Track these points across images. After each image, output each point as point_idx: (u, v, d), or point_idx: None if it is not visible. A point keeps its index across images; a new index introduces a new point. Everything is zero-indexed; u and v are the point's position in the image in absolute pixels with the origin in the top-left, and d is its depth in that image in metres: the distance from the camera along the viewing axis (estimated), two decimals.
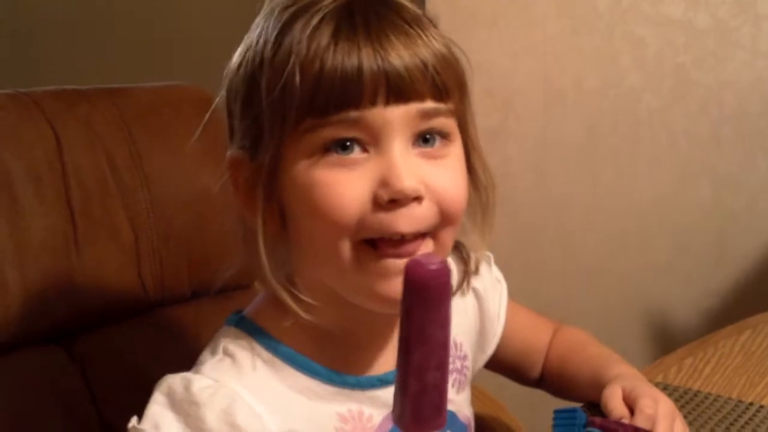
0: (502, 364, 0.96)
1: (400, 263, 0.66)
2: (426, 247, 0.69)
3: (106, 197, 1.04)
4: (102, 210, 1.04)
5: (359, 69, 0.65)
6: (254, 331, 0.73)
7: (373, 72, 0.66)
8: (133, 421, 0.69)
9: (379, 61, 0.66)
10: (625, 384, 0.83)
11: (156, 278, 1.07)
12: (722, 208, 1.71)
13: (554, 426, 0.83)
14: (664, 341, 1.74)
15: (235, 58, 0.74)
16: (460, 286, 0.79)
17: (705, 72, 1.67)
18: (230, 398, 0.68)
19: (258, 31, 0.72)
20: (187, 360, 0.77)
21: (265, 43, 0.70)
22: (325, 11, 0.68)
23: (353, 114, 0.66)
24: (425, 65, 0.67)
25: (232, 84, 0.73)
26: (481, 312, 0.90)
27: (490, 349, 0.93)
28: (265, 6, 0.74)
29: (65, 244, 1.00)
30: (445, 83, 0.68)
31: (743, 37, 1.64)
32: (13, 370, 0.96)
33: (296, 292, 0.71)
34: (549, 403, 0.99)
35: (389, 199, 0.66)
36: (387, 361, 0.76)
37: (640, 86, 1.71)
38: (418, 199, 0.67)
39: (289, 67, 0.66)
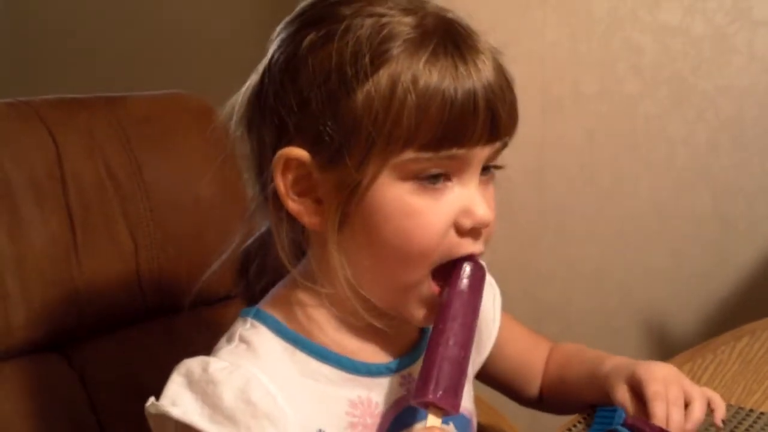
0: (499, 376, 0.97)
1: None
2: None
3: (105, 205, 1.04)
4: (101, 218, 1.04)
5: (475, 112, 0.69)
6: (269, 321, 0.76)
7: (485, 115, 0.70)
8: (151, 399, 0.71)
9: (490, 105, 0.70)
10: (626, 375, 0.85)
11: (155, 286, 1.07)
12: (720, 214, 1.71)
13: (593, 422, 0.85)
14: (663, 347, 1.74)
15: (295, 44, 0.72)
16: None
17: (702, 78, 1.68)
18: (246, 378, 0.70)
19: (345, 33, 0.70)
20: None
21: (359, 52, 0.69)
22: (434, 41, 0.69)
23: (458, 152, 0.70)
24: (513, 106, 0.73)
25: (293, 78, 0.71)
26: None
27: (486, 351, 0.93)
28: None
29: (65, 252, 1.00)
30: (517, 120, 0.74)
31: (739, 43, 1.64)
32: (13, 378, 0.96)
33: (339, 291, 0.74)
34: (548, 415, 1.00)
35: (470, 228, 0.72)
36: (392, 350, 0.78)
37: (637, 93, 1.71)
38: (487, 227, 0.73)
39: (401, 93, 0.68)
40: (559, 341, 1.01)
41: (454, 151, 0.69)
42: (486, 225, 0.72)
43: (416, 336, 0.81)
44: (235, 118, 0.77)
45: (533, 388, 0.98)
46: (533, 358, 0.98)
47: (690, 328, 1.74)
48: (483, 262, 0.75)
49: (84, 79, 1.53)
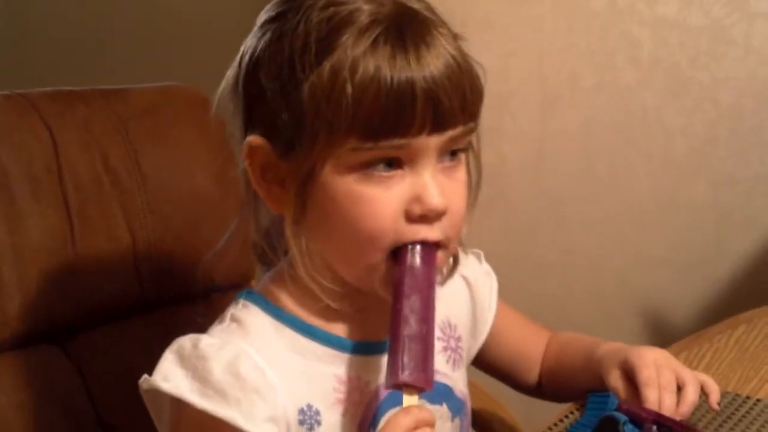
0: (497, 363, 0.98)
1: None
2: (441, 257, 0.76)
3: (102, 198, 1.05)
4: (99, 210, 1.04)
5: (413, 102, 0.69)
6: (259, 300, 0.78)
7: (424, 105, 0.70)
8: (144, 376, 0.73)
9: (430, 95, 0.70)
10: (618, 360, 0.86)
11: (152, 278, 1.08)
12: (717, 205, 1.71)
13: (586, 408, 0.85)
14: (660, 336, 1.75)
15: (259, 38, 0.75)
16: (450, 273, 0.83)
17: (699, 70, 1.68)
18: (235, 352, 0.72)
19: (297, 26, 0.72)
20: None
21: (306, 45, 0.71)
22: (377, 31, 0.70)
23: (400, 141, 0.70)
24: (464, 97, 0.72)
25: (254, 71, 0.74)
26: (472, 300, 0.93)
27: (482, 337, 0.94)
28: None
29: (62, 244, 1.00)
30: (476, 109, 0.74)
31: (737, 35, 1.64)
32: (10, 369, 0.96)
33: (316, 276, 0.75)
34: (544, 402, 1.00)
35: (420, 215, 0.72)
36: (383, 328, 0.78)
37: (635, 84, 1.71)
38: (440, 216, 0.73)
39: (340, 83, 0.69)
40: (557, 331, 1.02)
41: (396, 141, 0.70)
42: (437, 212, 0.72)
43: None
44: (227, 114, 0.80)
45: (532, 375, 0.98)
46: (531, 346, 0.99)
47: (687, 317, 1.74)
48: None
49: (81, 72, 1.53)
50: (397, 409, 0.72)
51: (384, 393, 0.78)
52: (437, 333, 0.82)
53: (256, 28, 0.77)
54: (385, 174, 0.71)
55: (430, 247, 0.73)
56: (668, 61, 1.69)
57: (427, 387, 0.71)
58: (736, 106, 1.66)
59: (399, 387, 0.71)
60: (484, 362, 0.96)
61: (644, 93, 1.72)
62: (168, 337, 1.06)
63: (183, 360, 0.72)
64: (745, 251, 1.69)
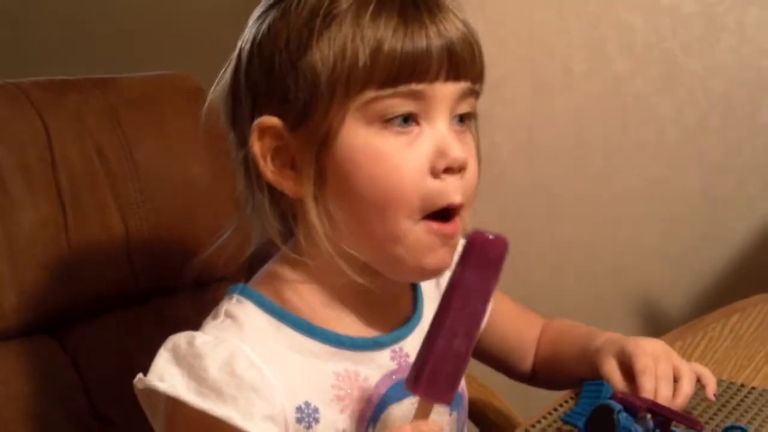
0: (491, 351, 0.98)
1: (446, 238, 0.73)
2: (459, 225, 0.75)
3: (96, 187, 1.04)
4: (92, 200, 1.04)
5: (428, 45, 0.71)
6: (255, 296, 0.77)
7: (439, 49, 0.71)
8: (139, 375, 0.72)
9: (444, 40, 0.71)
10: (615, 350, 0.86)
11: (147, 268, 1.07)
12: (710, 194, 1.71)
13: (581, 396, 0.85)
14: (654, 326, 1.75)
15: (259, 25, 0.76)
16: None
17: (692, 57, 1.68)
18: (231, 350, 0.71)
19: (299, 3, 0.73)
20: None
21: (312, 12, 0.72)
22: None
23: (418, 87, 0.71)
24: (473, 48, 0.74)
25: (259, 52, 0.75)
26: None
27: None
28: None
29: (56, 234, 1.00)
30: (482, 71, 0.76)
31: (730, 23, 1.64)
32: (5, 361, 0.96)
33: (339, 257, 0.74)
34: (538, 391, 1.00)
35: (445, 168, 0.72)
36: (383, 324, 0.79)
37: (627, 72, 1.71)
38: (462, 170, 0.73)
39: (355, 40, 0.70)
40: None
41: (413, 86, 0.71)
42: (461, 164, 0.72)
43: (408, 310, 0.82)
44: (222, 116, 0.80)
45: (526, 363, 0.98)
46: (526, 333, 0.99)
47: (681, 306, 1.75)
48: (504, 236, 0.70)
49: (74, 60, 1.52)
50: (398, 404, 0.72)
51: (384, 388, 0.77)
52: None
53: (252, 21, 0.77)
54: (404, 128, 0.71)
55: (497, 247, 0.68)
56: (660, 48, 1.69)
57: (446, 404, 0.71)
58: (728, 95, 1.66)
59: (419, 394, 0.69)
60: (478, 351, 0.96)
61: (636, 80, 1.72)
62: (163, 327, 1.06)
63: (178, 358, 0.71)
64: (737, 240, 1.69)
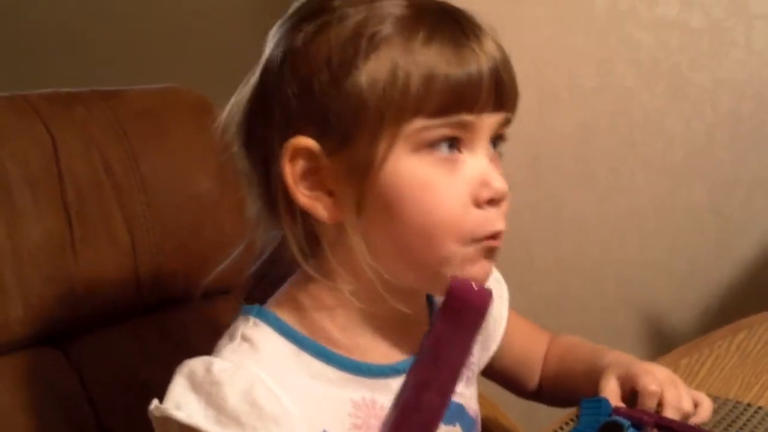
0: (502, 371, 0.97)
1: (491, 251, 0.73)
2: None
3: (102, 200, 1.04)
4: (98, 213, 1.03)
5: (479, 73, 0.70)
6: (272, 319, 0.75)
7: (489, 81, 0.70)
8: (155, 402, 0.70)
9: (495, 72, 0.71)
10: (619, 371, 0.85)
11: (152, 280, 1.07)
12: (717, 208, 1.71)
13: (580, 415, 0.84)
14: (661, 341, 1.74)
15: (289, 40, 0.72)
16: None
17: (699, 72, 1.67)
18: (250, 379, 0.69)
19: (342, 17, 0.71)
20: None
21: (357, 31, 0.70)
22: (433, 18, 0.70)
23: (468, 117, 0.70)
24: (514, 80, 0.74)
25: (294, 69, 0.72)
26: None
27: (493, 347, 0.93)
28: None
29: (62, 247, 1.00)
30: (518, 97, 0.75)
31: (737, 37, 1.64)
32: (10, 372, 0.96)
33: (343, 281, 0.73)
34: (543, 408, 1.00)
35: (489, 199, 0.71)
36: (401, 351, 0.77)
37: (635, 87, 1.71)
38: (503, 200, 0.73)
39: (405, 67, 0.68)
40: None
41: (464, 116, 0.70)
42: (503, 196, 0.72)
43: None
44: (233, 128, 0.76)
45: (534, 380, 0.98)
46: (534, 350, 0.98)
47: (687, 322, 1.74)
48: (488, 288, 0.70)
49: (81, 73, 1.52)
50: None
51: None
52: None
53: (278, 35, 0.74)
54: (448, 155, 0.70)
55: (481, 298, 0.68)
56: (668, 62, 1.69)
57: None
58: (736, 109, 1.66)
59: None
60: (489, 370, 0.95)
61: (644, 95, 1.71)
62: (169, 339, 1.07)
63: (195, 385, 0.69)
64: (745, 255, 1.69)
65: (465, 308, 0.65)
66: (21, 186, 0.98)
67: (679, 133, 1.71)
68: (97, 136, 1.06)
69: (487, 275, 0.75)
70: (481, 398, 1.15)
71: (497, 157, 0.75)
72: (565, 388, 0.94)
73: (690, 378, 0.96)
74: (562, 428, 0.86)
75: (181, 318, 1.09)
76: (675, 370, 0.97)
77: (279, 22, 0.75)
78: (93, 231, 1.02)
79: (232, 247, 0.86)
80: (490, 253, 0.74)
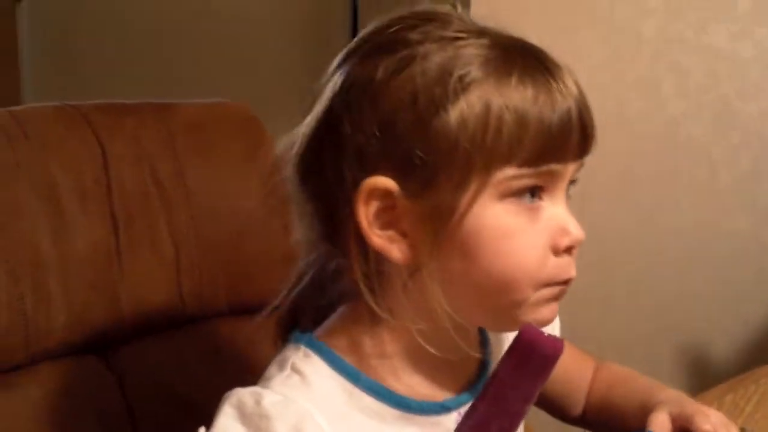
0: (547, 397, 0.95)
1: (559, 297, 0.73)
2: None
3: (149, 211, 1.05)
4: (144, 224, 1.04)
5: (569, 126, 0.68)
6: (323, 351, 0.73)
7: (578, 130, 0.69)
8: (201, 430, 0.69)
9: (583, 120, 0.69)
10: (672, 408, 0.84)
11: (194, 293, 1.08)
12: (761, 239, 1.69)
13: None
14: (701, 372, 1.72)
15: (362, 72, 0.69)
16: None
17: (747, 102, 1.66)
18: (300, 414, 0.68)
19: (426, 54, 0.68)
20: (222, 376, 0.79)
21: (445, 71, 0.67)
22: (519, 60, 0.68)
23: (556, 167, 0.69)
24: (593, 118, 0.71)
25: (372, 105, 0.68)
26: None
27: None
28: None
29: (107, 256, 1.01)
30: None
31: None
32: (51, 379, 0.96)
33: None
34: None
35: (567, 247, 0.70)
36: (450, 388, 0.76)
37: (681, 115, 1.70)
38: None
39: (495, 112, 0.66)
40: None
41: (553, 166, 0.68)
42: (580, 243, 0.71)
43: (476, 372, 0.79)
44: (293, 157, 0.74)
45: (578, 405, 0.97)
46: (579, 375, 0.97)
47: (729, 353, 1.72)
48: (560, 340, 0.67)
49: (133, 86, 1.54)
50: None
51: None
52: None
53: (351, 64, 0.71)
54: (531, 204, 0.69)
55: (548, 348, 0.65)
56: (716, 92, 1.67)
57: None
58: None
59: None
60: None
61: (690, 123, 1.70)
62: (207, 353, 1.08)
63: (244, 417, 0.68)
64: None
65: (535, 356, 0.64)
66: (70, 195, 0.99)
67: (725, 161, 1.69)
68: (147, 148, 1.07)
69: (554, 317, 0.74)
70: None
71: (568, 197, 0.73)
72: (612, 417, 0.93)
73: (735, 414, 0.94)
74: None
75: (221, 331, 1.09)
76: (720, 407, 0.96)
77: (346, 50, 0.73)
78: (138, 242, 1.03)
79: (274, 264, 0.86)
80: (560, 296, 0.73)
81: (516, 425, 0.67)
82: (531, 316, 0.71)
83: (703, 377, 1.56)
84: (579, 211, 1.90)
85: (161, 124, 1.09)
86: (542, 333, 0.65)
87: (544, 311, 0.72)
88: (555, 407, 0.97)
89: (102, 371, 1.01)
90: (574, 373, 0.97)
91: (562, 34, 1.73)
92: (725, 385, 1.02)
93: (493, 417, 0.65)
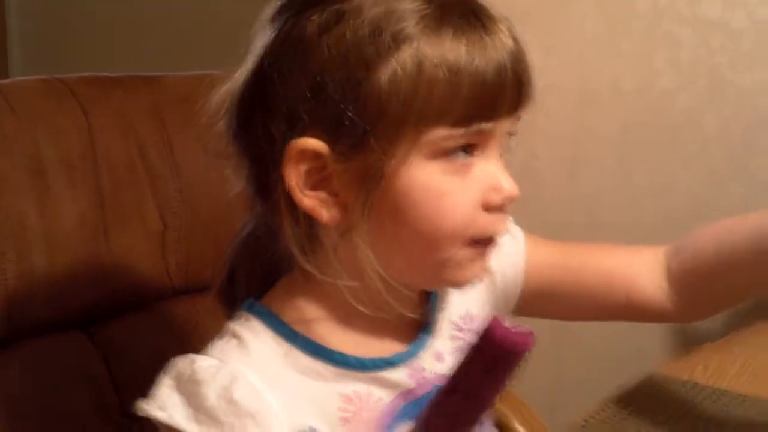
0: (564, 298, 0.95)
1: (484, 255, 0.72)
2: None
3: (135, 185, 1.05)
4: (131, 197, 1.04)
5: (504, 85, 0.67)
6: (263, 314, 0.74)
7: (512, 87, 0.68)
8: (141, 401, 0.70)
9: (518, 75, 0.68)
10: None
11: (181, 266, 1.08)
12: (753, 210, 1.68)
13: None
14: (689, 333, 1.72)
15: (294, 29, 0.68)
16: None
17: (740, 73, 1.65)
18: (232, 376, 0.68)
19: (358, 10, 0.66)
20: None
21: (377, 29, 0.65)
22: (453, 14, 0.67)
23: (488, 125, 0.68)
24: (531, 74, 0.70)
25: (302, 65, 0.67)
26: (493, 285, 0.87)
27: (516, 289, 0.89)
28: None
29: (93, 230, 1.00)
30: (534, 92, 0.71)
31: None
32: (36, 354, 0.96)
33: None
34: (569, 403, 0.99)
35: (499, 204, 0.70)
36: (395, 344, 0.76)
37: (674, 87, 1.69)
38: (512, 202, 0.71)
39: (429, 70, 0.65)
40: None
41: (484, 125, 0.67)
42: (513, 200, 0.70)
43: (419, 328, 0.78)
44: (224, 113, 0.74)
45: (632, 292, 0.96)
46: (611, 258, 0.98)
47: (718, 318, 1.72)
48: (530, 331, 0.63)
49: (120, 58, 1.54)
50: (410, 422, 0.70)
51: (397, 408, 0.74)
52: (453, 332, 0.80)
53: (282, 19, 0.70)
54: (464, 161, 0.68)
55: (523, 331, 0.63)
56: (709, 63, 1.67)
57: None
58: None
59: None
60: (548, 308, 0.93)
61: (683, 96, 1.69)
62: (194, 326, 1.07)
63: (180, 386, 0.69)
64: None
65: (504, 353, 0.63)
66: (56, 168, 0.99)
67: (717, 134, 1.69)
68: (133, 121, 1.06)
69: (484, 274, 0.74)
70: (506, 394, 1.14)
71: (504, 152, 0.72)
72: (723, 275, 0.90)
73: (722, 376, 0.95)
74: (587, 421, 0.85)
75: (208, 304, 1.09)
76: (706, 368, 0.96)
77: (277, 5, 0.71)
78: (125, 215, 1.03)
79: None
80: (483, 257, 0.73)
81: (487, 409, 0.67)
82: (460, 273, 0.72)
83: (692, 338, 1.55)
84: (571, 184, 1.90)
85: (148, 96, 1.09)
86: (509, 329, 0.63)
87: (474, 268, 0.72)
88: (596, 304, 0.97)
89: (87, 346, 1.01)
90: (604, 259, 1.00)
91: (556, 6, 1.73)
92: (712, 346, 1.02)
93: (463, 409, 0.65)
